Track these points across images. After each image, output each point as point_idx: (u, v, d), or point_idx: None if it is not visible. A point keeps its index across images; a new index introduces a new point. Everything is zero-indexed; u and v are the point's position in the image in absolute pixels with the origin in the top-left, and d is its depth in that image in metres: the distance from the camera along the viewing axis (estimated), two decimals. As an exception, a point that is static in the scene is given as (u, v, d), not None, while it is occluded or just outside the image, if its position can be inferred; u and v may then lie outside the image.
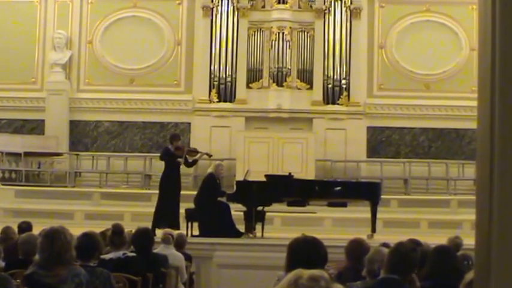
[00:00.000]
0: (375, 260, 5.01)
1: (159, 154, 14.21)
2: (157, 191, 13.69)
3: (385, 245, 6.17)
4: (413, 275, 5.94)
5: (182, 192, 13.84)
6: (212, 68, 18.98)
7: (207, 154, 14.25)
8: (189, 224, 12.83)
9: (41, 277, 5.11)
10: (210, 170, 13.24)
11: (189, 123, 19.29)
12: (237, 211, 13.09)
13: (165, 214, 12.95)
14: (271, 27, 18.94)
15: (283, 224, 15.32)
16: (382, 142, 19.32)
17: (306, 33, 19.06)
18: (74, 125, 19.52)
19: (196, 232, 12.73)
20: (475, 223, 2.39)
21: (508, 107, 2.26)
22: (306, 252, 4.18)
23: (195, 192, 13.44)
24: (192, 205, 13.04)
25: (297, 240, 4.34)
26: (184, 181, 16.99)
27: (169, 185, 13.26)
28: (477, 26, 17.80)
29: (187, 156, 13.52)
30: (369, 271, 4.98)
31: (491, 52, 2.29)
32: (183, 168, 14.04)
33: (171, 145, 13.56)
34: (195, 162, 13.86)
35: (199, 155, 13.85)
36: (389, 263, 4.64)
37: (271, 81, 18.87)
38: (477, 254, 2.38)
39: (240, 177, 15.07)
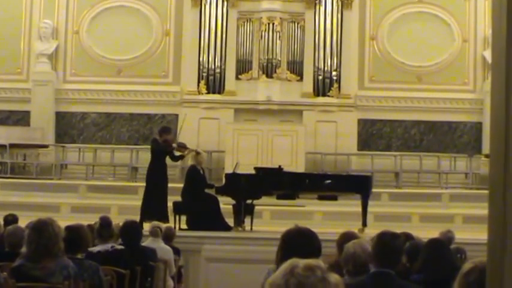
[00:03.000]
0: (348, 260, 4.93)
1: (148, 146, 14.01)
2: (144, 184, 13.52)
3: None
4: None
5: (170, 184, 13.70)
6: (201, 58, 18.83)
7: (196, 151, 14.08)
8: (177, 217, 12.68)
9: (28, 269, 5.11)
10: (190, 162, 13.16)
11: (177, 115, 19.09)
12: (225, 204, 13.01)
13: (154, 207, 12.82)
14: (261, 17, 18.77)
15: (272, 218, 15.21)
16: (373, 135, 19.19)
17: (296, 24, 18.92)
18: (60, 116, 19.30)
19: (184, 225, 12.59)
20: (488, 218, 2.29)
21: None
22: (299, 243, 4.11)
23: (182, 185, 13.30)
24: (179, 198, 12.93)
25: (291, 231, 4.26)
26: (171, 173, 16.88)
27: (157, 178, 13.13)
28: (471, 17, 17.66)
29: (175, 150, 13.39)
30: (347, 271, 4.89)
31: (506, 40, 2.21)
32: (171, 161, 13.88)
33: (160, 137, 13.34)
34: (181, 157, 13.71)
35: (187, 151, 13.69)
36: (376, 256, 4.53)
37: (260, 72, 18.73)
38: (490, 249, 2.28)
39: (229, 169, 14.94)
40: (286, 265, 2.31)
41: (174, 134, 14.61)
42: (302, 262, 2.30)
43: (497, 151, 2.23)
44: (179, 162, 17.24)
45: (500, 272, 2.17)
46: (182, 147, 13.79)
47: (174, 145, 13.21)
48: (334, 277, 2.29)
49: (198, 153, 13.92)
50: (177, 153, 13.54)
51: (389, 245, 4.55)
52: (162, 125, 18.26)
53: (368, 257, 4.70)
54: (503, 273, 2.16)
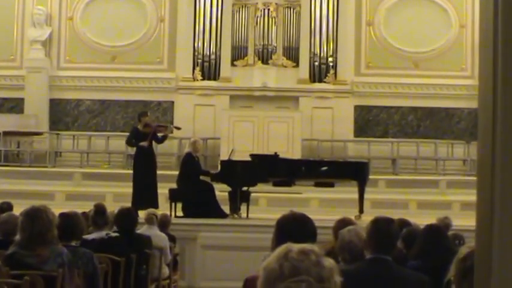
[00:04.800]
0: (344, 248, 4.92)
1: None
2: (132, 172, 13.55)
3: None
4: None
5: (166, 172, 13.68)
6: (196, 45, 18.69)
7: (176, 127, 14.11)
8: (173, 205, 12.60)
9: (22, 257, 5.11)
10: (187, 149, 13.15)
11: (173, 102, 19.00)
12: (221, 191, 12.95)
13: (143, 195, 12.76)
14: (257, 3, 18.65)
15: (268, 205, 15.13)
16: (370, 121, 19.08)
17: (292, 9, 18.79)
18: (54, 103, 19.16)
19: (180, 213, 12.53)
20: (476, 205, 2.35)
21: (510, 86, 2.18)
22: (294, 228, 4.06)
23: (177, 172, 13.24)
24: (175, 185, 12.82)
25: (285, 217, 4.22)
26: (167, 160, 16.87)
27: (144, 165, 13.07)
28: (468, 2, 17.55)
29: (157, 133, 13.36)
30: (343, 259, 4.88)
31: (493, 26, 2.21)
32: (167, 148, 13.89)
33: (139, 122, 13.39)
34: (165, 137, 13.70)
35: (167, 129, 13.69)
36: (371, 242, 4.49)
37: (256, 58, 18.61)
38: (478, 237, 2.32)
39: (224, 156, 14.90)
40: (280, 249, 2.32)
41: (151, 117, 14.61)
42: (296, 246, 2.32)
43: (485, 135, 2.24)
44: (175, 150, 17.22)
45: (489, 255, 2.18)
46: (162, 126, 13.82)
47: (144, 143, 13.14)
48: (328, 261, 2.30)
49: (178, 128, 13.97)
50: (160, 135, 13.55)
51: (383, 230, 4.51)
52: (158, 111, 18.25)
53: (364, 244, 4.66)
54: (491, 257, 2.17)
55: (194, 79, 18.74)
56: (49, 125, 19.06)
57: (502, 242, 2.14)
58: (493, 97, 2.17)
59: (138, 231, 8.42)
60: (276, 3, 18.63)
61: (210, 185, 12.77)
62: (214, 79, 18.68)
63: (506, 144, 2.15)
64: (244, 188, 12.77)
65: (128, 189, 13.98)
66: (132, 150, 16.50)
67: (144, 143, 13.15)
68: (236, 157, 13.23)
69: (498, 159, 2.16)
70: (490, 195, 2.18)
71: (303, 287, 2.09)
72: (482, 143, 2.26)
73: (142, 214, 9.93)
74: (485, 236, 2.19)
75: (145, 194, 12.80)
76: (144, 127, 13.28)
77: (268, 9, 18.55)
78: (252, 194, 13.21)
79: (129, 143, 13.60)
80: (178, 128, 14.10)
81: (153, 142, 13.47)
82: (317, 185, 14.07)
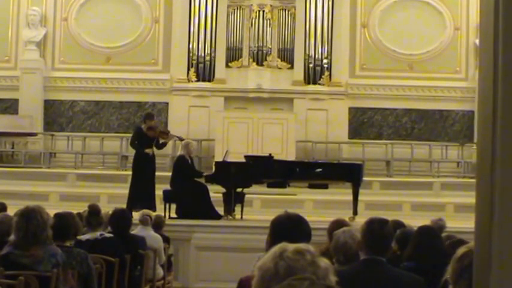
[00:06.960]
0: (339, 250, 4.90)
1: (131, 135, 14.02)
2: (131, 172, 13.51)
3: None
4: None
5: (160, 173, 13.68)
6: (191, 46, 18.69)
7: (179, 138, 14.01)
8: (167, 206, 12.59)
9: (16, 257, 5.10)
10: (180, 152, 13.09)
11: (167, 103, 18.99)
12: (215, 193, 12.93)
13: (140, 196, 12.76)
14: (252, 4, 18.65)
15: (262, 206, 15.13)
16: (364, 123, 19.08)
17: (287, 11, 18.80)
18: (48, 104, 19.14)
19: (174, 214, 12.52)
20: (475, 207, 2.33)
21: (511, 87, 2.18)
22: (289, 228, 4.05)
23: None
24: (169, 187, 12.83)
25: (280, 217, 4.21)
26: (161, 162, 16.82)
27: (143, 166, 13.04)
28: (463, 5, 17.54)
29: (159, 138, 13.33)
30: (337, 260, 4.87)
31: (493, 27, 2.21)
32: (161, 150, 13.86)
33: (144, 124, 13.35)
34: (164, 144, 13.65)
35: (169, 137, 13.64)
36: (366, 243, 4.48)
37: (251, 60, 18.61)
38: (477, 236, 2.31)
39: (219, 158, 14.89)
40: (275, 249, 2.32)
41: (157, 121, 14.58)
42: (291, 246, 2.31)
43: (485, 135, 2.24)
44: (169, 151, 17.20)
45: (488, 254, 2.18)
46: (165, 133, 13.76)
47: (149, 151, 13.09)
48: (323, 261, 2.30)
49: (181, 139, 13.92)
50: (161, 140, 13.53)
51: (378, 231, 4.50)
52: (152, 113, 18.19)
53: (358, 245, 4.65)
54: (490, 256, 2.17)
55: (189, 80, 18.73)
56: (43, 126, 19.04)
57: (501, 240, 2.14)
58: (493, 97, 2.17)
59: (133, 232, 8.42)
60: (271, 5, 18.64)
61: (204, 186, 12.75)
62: (209, 80, 18.67)
63: (506, 143, 2.15)
64: (239, 189, 12.78)
65: (122, 190, 13.97)
66: (128, 152, 16.57)
67: (149, 151, 13.13)
68: (230, 158, 13.22)
69: (498, 159, 2.16)
70: (489, 195, 2.18)
71: (306, 285, 2.08)
72: (482, 142, 2.25)
73: (136, 215, 9.94)
74: (485, 235, 2.19)
75: (143, 196, 12.78)
76: (147, 129, 13.25)
77: (263, 11, 18.55)
78: (247, 195, 13.25)
79: (133, 145, 13.53)
80: (181, 140, 13.99)
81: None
82: (311, 186, 14.07)
